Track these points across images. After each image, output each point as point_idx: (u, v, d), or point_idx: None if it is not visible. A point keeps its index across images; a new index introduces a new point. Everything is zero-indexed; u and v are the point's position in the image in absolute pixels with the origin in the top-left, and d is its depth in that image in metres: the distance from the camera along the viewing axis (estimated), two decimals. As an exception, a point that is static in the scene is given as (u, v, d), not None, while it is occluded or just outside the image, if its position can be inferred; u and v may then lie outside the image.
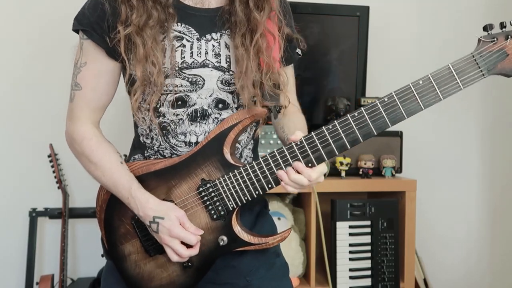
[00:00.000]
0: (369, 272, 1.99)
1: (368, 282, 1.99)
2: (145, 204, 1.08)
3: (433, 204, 2.55)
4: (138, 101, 1.09)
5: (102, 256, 1.23)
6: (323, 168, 1.07)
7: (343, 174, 2.08)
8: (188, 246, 1.08)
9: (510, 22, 0.99)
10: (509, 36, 1.00)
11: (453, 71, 1.00)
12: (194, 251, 1.08)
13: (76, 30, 1.14)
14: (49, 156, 2.18)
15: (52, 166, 2.17)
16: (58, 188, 2.18)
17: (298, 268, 2.00)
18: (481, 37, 1.02)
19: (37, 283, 2.12)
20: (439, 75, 1.01)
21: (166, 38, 1.09)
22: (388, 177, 2.11)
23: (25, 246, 2.15)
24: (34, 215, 2.17)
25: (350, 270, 1.97)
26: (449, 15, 2.56)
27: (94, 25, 1.09)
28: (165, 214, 1.07)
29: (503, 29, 1.01)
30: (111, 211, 1.17)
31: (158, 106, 1.11)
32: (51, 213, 2.19)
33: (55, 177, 2.17)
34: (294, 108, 1.26)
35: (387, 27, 2.48)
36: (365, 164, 2.10)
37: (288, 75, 1.20)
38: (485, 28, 1.02)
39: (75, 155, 1.17)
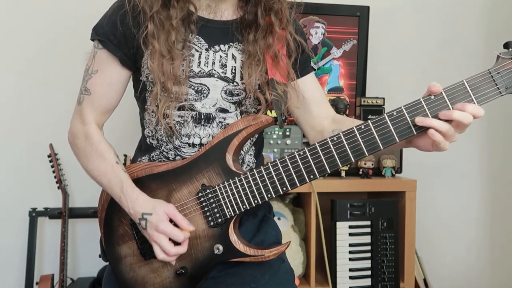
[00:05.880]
0: (369, 272, 1.99)
1: (368, 282, 1.98)
2: (135, 200, 1.07)
3: (433, 204, 2.54)
4: (154, 105, 1.11)
5: (99, 256, 1.21)
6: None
7: (343, 174, 2.08)
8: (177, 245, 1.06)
9: None
10: None
11: (467, 87, 0.95)
12: (182, 249, 1.05)
13: (92, 39, 1.16)
14: (49, 156, 2.18)
15: (52, 166, 2.17)
16: (58, 188, 2.18)
17: (298, 268, 2.00)
18: (500, 53, 0.96)
19: (37, 283, 2.12)
20: (452, 90, 0.95)
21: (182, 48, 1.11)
22: (388, 177, 2.11)
23: (25, 246, 2.15)
24: (34, 215, 2.17)
25: (350, 270, 1.97)
26: (449, 15, 2.55)
27: (110, 35, 1.11)
28: (153, 209, 1.06)
29: None
30: (112, 211, 1.16)
31: (163, 109, 1.12)
32: (51, 213, 2.19)
33: (55, 177, 2.17)
34: (340, 116, 1.26)
35: (387, 27, 2.48)
36: (365, 164, 2.10)
37: (309, 85, 1.22)
38: (505, 46, 0.96)
39: (75, 154, 1.18)
